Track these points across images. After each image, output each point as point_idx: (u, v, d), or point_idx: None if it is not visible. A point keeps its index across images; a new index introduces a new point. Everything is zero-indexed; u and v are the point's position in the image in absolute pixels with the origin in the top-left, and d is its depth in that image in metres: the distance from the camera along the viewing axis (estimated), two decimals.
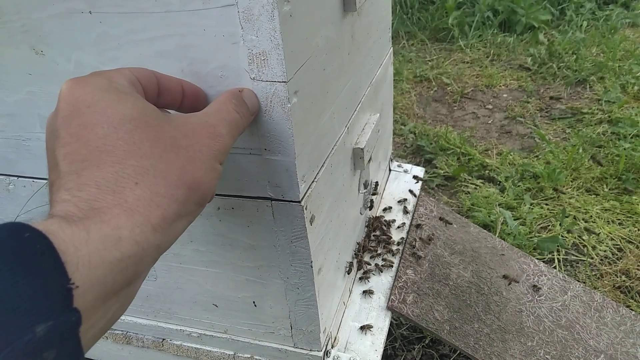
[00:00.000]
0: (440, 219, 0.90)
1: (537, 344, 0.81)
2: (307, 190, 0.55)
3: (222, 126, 0.39)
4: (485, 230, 1.01)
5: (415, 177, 1.00)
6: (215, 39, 0.46)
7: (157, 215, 0.32)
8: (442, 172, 1.64)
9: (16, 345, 0.23)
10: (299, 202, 0.53)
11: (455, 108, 2.09)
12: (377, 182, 0.88)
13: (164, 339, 0.73)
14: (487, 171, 1.65)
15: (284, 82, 0.46)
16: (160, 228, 0.32)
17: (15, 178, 0.65)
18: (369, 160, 0.77)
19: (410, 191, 1.00)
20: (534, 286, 0.93)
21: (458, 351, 1.06)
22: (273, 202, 0.55)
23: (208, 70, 0.48)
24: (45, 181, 0.63)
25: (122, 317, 0.73)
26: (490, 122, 1.98)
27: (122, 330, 0.75)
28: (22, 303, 0.24)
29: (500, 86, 2.22)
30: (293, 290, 0.61)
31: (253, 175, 0.54)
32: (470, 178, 1.61)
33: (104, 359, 0.81)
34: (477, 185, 1.57)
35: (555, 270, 0.99)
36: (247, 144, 0.51)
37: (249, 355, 0.69)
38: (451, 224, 0.92)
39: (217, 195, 0.57)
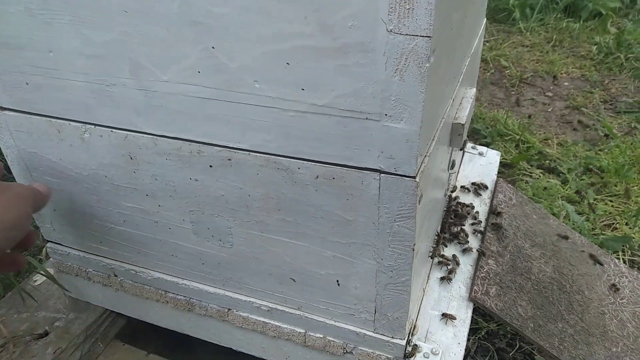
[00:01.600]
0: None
1: (621, 350, 0.75)
2: (421, 165, 0.49)
3: (27, 188, 0.55)
4: (564, 224, 0.94)
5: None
6: None
7: None
8: (500, 158, 1.56)
9: None
10: (414, 177, 0.48)
11: (512, 93, 1.99)
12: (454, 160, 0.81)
13: (229, 309, 0.69)
14: (547, 161, 1.56)
15: (429, 36, 0.40)
16: None
17: (92, 126, 0.60)
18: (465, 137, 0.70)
19: (476, 185, 0.92)
20: (614, 285, 0.86)
21: (516, 347, 1.01)
22: (382, 175, 0.49)
23: (336, 19, 0.42)
24: (125, 132, 0.58)
25: (187, 283, 0.70)
26: (550, 110, 1.88)
27: (184, 296, 0.71)
28: None
29: (561, 74, 2.10)
30: (385, 273, 0.56)
31: (364, 144, 0.48)
32: (529, 167, 1.53)
33: (160, 323, 0.78)
34: (537, 175, 1.49)
35: (636, 272, 0.92)
36: (365, 107, 0.45)
37: (321, 336, 0.65)
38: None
39: (317, 162, 0.51)
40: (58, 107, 0.60)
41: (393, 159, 0.47)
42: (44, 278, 0.83)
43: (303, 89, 0.47)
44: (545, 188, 1.42)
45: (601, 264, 0.87)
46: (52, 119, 0.62)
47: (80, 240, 0.74)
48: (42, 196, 0.58)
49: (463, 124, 0.65)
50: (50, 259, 0.80)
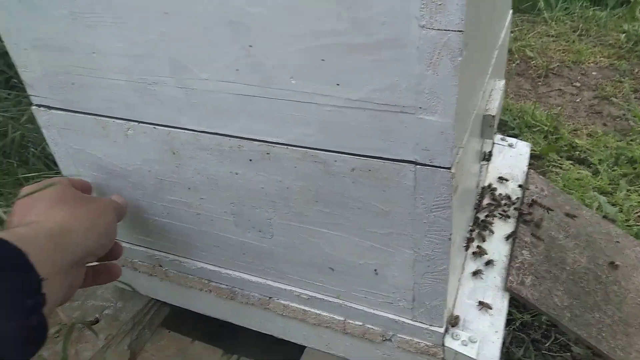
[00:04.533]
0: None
1: None
2: (456, 157, 0.50)
3: (107, 200, 0.63)
4: (597, 214, 0.94)
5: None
6: None
7: (74, 225, 0.52)
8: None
9: (25, 305, 0.41)
10: (449, 168, 0.49)
11: (539, 83, 1.96)
12: (490, 151, 0.82)
13: (270, 298, 0.71)
14: (577, 152, 1.54)
15: (461, 31, 0.41)
16: (77, 233, 0.51)
17: (136, 123, 0.63)
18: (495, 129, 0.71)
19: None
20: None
21: (552, 338, 1.00)
22: (418, 166, 0.50)
23: (370, 15, 0.43)
24: (168, 128, 0.61)
25: (229, 272, 0.72)
26: (578, 100, 1.85)
27: (227, 285, 0.74)
28: (19, 288, 0.41)
29: (589, 63, 2.06)
30: (423, 262, 0.57)
31: (400, 136, 0.49)
32: (559, 159, 1.51)
33: (202, 310, 0.81)
34: (567, 167, 1.48)
35: None
36: (399, 100, 0.47)
37: (360, 323, 0.67)
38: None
39: (353, 155, 0.53)
40: (102, 106, 0.64)
41: (428, 150, 0.49)
42: None
43: (338, 84, 0.48)
44: (576, 179, 1.41)
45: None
46: (97, 117, 0.65)
47: (127, 232, 0.77)
48: (122, 208, 0.64)
49: (494, 116, 0.65)
50: None
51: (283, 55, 0.49)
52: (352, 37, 0.45)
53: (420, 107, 0.46)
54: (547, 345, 0.98)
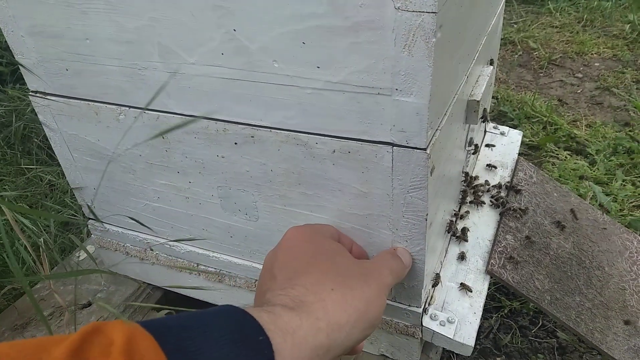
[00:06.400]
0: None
1: None
2: (432, 138, 0.51)
3: (386, 270, 0.50)
4: (586, 202, 0.94)
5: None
6: None
7: (343, 318, 0.41)
8: (527, 140, 1.55)
9: None
10: (425, 149, 0.50)
11: (541, 74, 1.96)
12: (476, 144, 0.83)
13: (256, 280, 0.73)
14: (575, 143, 1.55)
15: (434, 12, 0.42)
16: (344, 329, 0.41)
17: (127, 108, 0.65)
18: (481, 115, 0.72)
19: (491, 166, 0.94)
20: (637, 264, 0.87)
21: (539, 324, 1.02)
22: (394, 147, 0.52)
23: None
24: (157, 113, 0.63)
25: (217, 256, 0.74)
26: (579, 91, 1.84)
27: (215, 269, 0.76)
28: None
29: (592, 54, 2.06)
30: (401, 243, 0.58)
31: (377, 118, 0.51)
32: (556, 149, 1.52)
33: (192, 294, 0.83)
34: (564, 157, 1.48)
35: None
36: (376, 83, 0.48)
37: None
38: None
39: (333, 137, 0.54)
40: (96, 91, 0.65)
41: (404, 132, 0.50)
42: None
43: (318, 67, 0.50)
44: (572, 169, 1.41)
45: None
46: (90, 103, 0.67)
47: (118, 217, 0.79)
48: (402, 271, 0.53)
49: (478, 101, 0.66)
50: (92, 235, 0.86)
51: (265, 39, 0.50)
52: (331, 19, 0.46)
53: (396, 89, 0.48)
54: (533, 331, 0.99)
